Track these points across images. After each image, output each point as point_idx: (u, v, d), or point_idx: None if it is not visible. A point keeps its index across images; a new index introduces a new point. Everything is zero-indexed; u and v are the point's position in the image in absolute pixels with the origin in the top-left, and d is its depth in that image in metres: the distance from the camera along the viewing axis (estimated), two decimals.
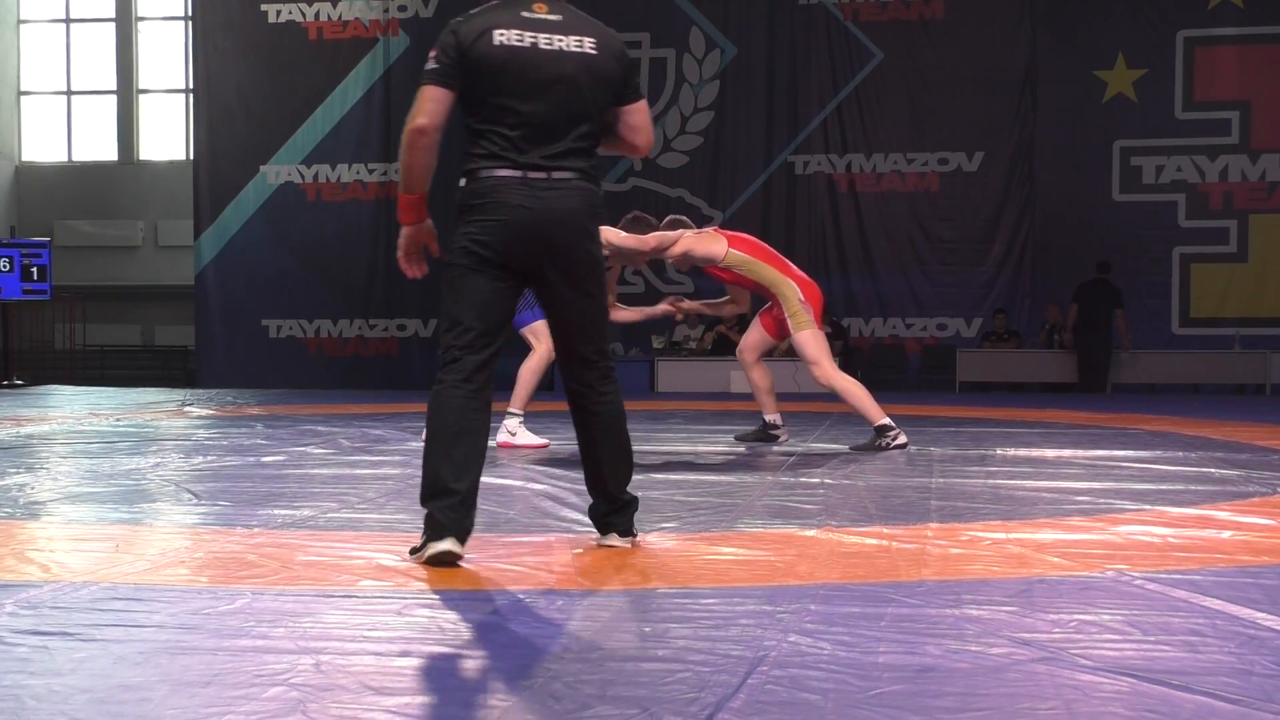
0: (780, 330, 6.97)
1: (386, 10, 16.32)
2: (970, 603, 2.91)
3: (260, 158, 16.50)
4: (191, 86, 17.39)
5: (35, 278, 15.46)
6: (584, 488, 5.02)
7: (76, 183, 18.86)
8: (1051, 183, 15.35)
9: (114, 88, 18.92)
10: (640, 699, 2.15)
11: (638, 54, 15.91)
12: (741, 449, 6.84)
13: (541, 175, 3.45)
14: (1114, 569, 3.32)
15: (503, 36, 3.44)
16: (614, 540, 3.64)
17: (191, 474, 5.57)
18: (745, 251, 6.89)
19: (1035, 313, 15.42)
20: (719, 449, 6.85)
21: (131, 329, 19.11)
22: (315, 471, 5.66)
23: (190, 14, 17.42)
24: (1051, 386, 14.79)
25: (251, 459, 6.20)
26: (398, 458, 6.13)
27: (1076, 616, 2.78)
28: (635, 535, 3.68)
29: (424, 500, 3.38)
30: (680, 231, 6.85)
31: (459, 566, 3.30)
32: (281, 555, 3.53)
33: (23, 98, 19.18)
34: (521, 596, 3.02)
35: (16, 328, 17.02)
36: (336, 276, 16.00)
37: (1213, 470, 5.77)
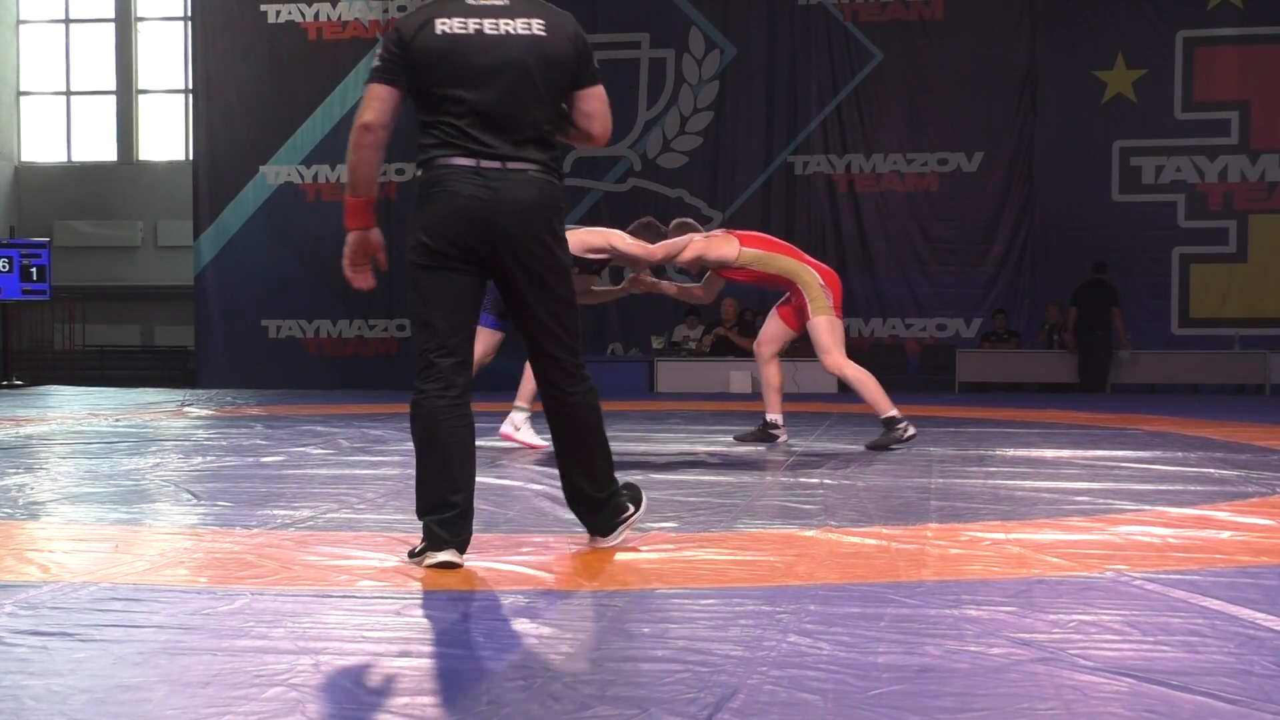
0: (799, 320, 6.91)
1: (386, 10, 16.32)
2: (969, 603, 2.91)
3: (260, 158, 16.50)
4: (191, 87, 17.39)
5: (35, 278, 15.45)
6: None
7: (76, 183, 18.86)
8: (1051, 183, 15.35)
9: (114, 88, 18.91)
10: (639, 699, 2.15)
11: (637, 54, 15.91)
12: (741, 449, 6.84)
13: (495, 165, 3.33)
14: (1113, 569, 3.32)
15: (445, 26, 3.35)
16: (599, 544, 3.59)
17: (191, 474, 5.57)
18: (759, 247, 6.86)
19: (1035, 313, 15.41)
20: (719, 449, 6.85)
21: (131, 329, 19.11)
22: (315, 472, 5.66)
23: (190, 14, 17.42)
24: (1051, 387, 14.79)
25: (251, 459, 6.20)
26: (397, 458, 6.13)
27: (1076, 617, 2.78)
28: (621, 519, 3.61)
29: (421, 514, 3.37)
30: (689, 237, 6.81)
31: (459, 567, 3.29)
32: (281, 555, 3.53)
33: (22, 98, 19.17)
34: (521, 597, 3.02)
35: (16, 328, 17.02)
36: (336, 276, 15.67)
37: (1212, 470, 5.77)
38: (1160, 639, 2.58)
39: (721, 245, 6.84)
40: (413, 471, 3.43)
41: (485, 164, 3.32)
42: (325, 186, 16.28)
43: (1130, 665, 2.38)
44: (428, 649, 2.56)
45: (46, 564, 3.41)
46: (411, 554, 3.39)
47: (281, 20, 16.57)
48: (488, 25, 3.36)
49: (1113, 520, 4.23)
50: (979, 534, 3.93)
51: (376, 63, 3.39)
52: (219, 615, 2.79)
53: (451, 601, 2.97)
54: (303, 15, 16.55)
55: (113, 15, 18.79)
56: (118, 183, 18.84)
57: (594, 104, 3.53)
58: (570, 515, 4.27)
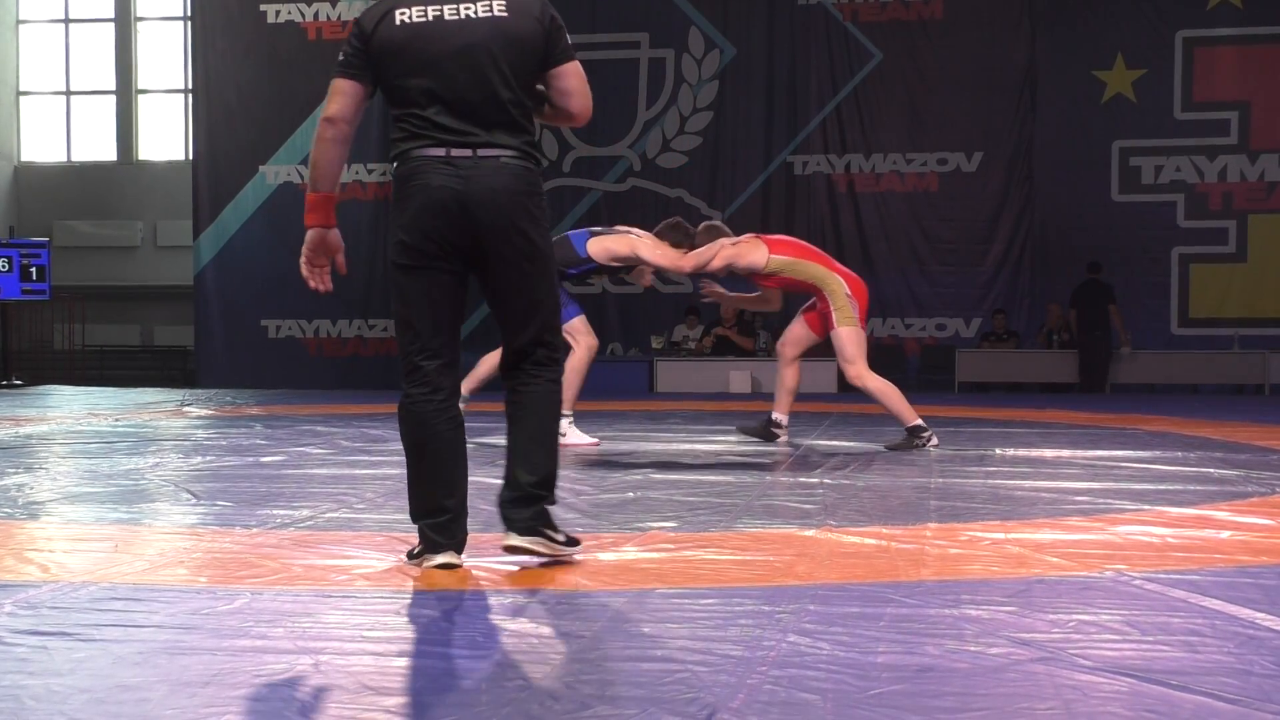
0: (824, 326, 6.89)
1: None
2: (969, 603, 2.91)
3: (260, 158, 16.50)
4: (191, 86, 17.38)
5: (34, 278, 15.45)
6: (584, 488, 5.06)
7: (76, 183, 18.86)
8: (1050, 183, 15.35)
9: (113, 88, 18.92)
10: (639, 699, 2.15)
11: (637, 54, 15.91)
12: (741, 449, 6.84)
13: (466, 153, 3.25)
14: (1113, 569, 3.32)
15: (404, 15, 3.28)
16: (512, 540, 3.29)
17: (191, 474, 5.57)
18: (787, 253, 6.83)
19: (1034, 313, 15.42)
20: (718, 449, 6.84)
21: (131, 329, 19.11)
22: (314, 472, 5.66)
23: (190, 14, 17.42)
24: (1051, 386, 14.79)
25: (250, 459, 6.20)
26: (396, 458, 6.09)
27: (1075, 616, 2.78)
28: (558, 539, 3.32)
29: (415, 518, 3.36)
30: (719, 243, 6.76)
31: (458, 568, 3.29)
32: (280, 555, 3.53)
33: (22, 98, 19.17)
34: (520, 597, 3.02)
35: (16, 328, 17.01)
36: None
37: (1212, 470, 5.77)
38: (1160, 639, 2.58)
39: (750, 252, 6.79)
40: None
41: (456, 152, 3.25)
42: None
43: (1130, 665, 2.38)
44: (427, 649, 2.56)
45: (46, 564, 3.41)
46: (410, 555, 3.39)
47: (281, 20, 16.57)
48: (447, 11, 3.29)
49: (1112, 520, 4.23)
50: (979, 534, 3.93)
51: (340, 58, 3.35)
52: (219, 615, 2.79)
53: (451, 601, 2.97)
54: (303, 15, 16.55)
55: (112, 15, 18.80)
56: (117, 183, 18.84)
57: (570, 81, 3.41)
58: (570, 515, 4.28)
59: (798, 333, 7.07)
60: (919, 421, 6.76)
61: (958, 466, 5.95)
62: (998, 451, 6.70)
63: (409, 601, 2.98)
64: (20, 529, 4.07)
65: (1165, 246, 15.23)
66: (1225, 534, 3.95)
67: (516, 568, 3.33)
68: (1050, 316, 14.91)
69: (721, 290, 7.12)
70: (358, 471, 5.64)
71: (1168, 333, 15.22)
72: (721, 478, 5.50)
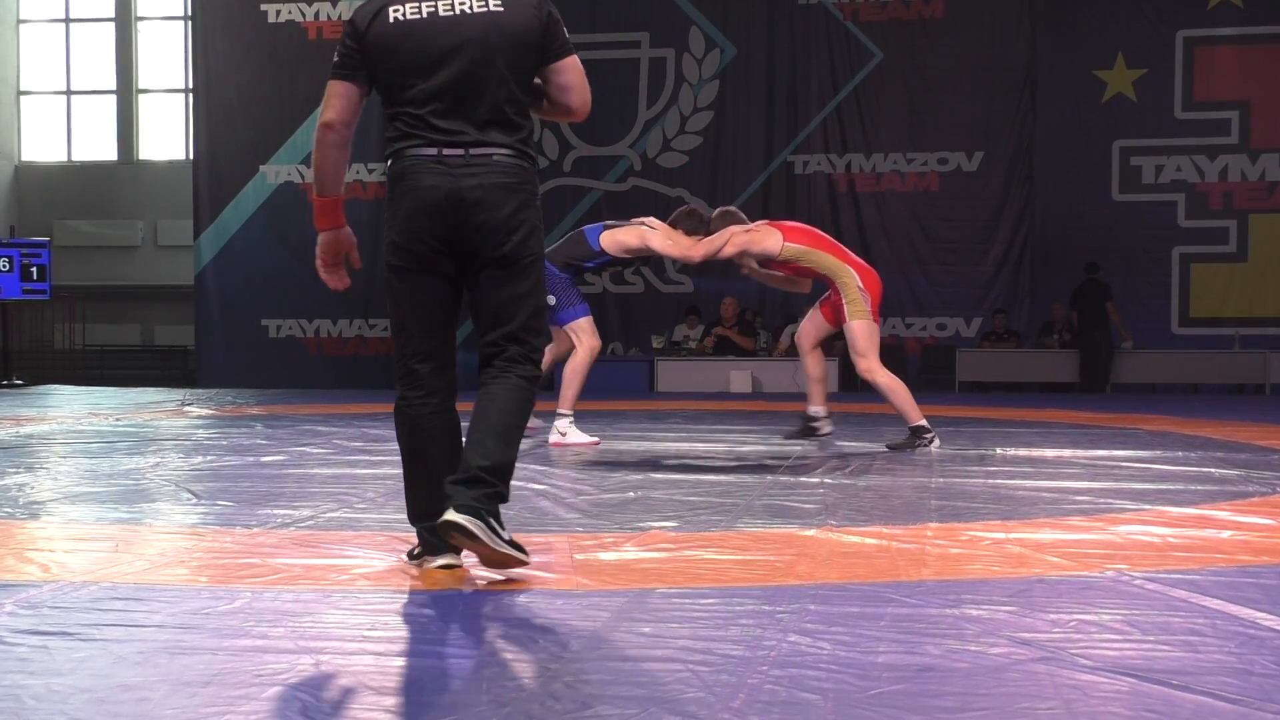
0: (837, 318, 6.87)
1: None
2: (970, 602, 2.91)
3: (260, 158, 16.50)
4: (191, 86, 17.39)
5: (35, 277, 15.45)
6: (584, 487, 5.06)
7: (76, 183, 18.86)
8: (1051, 183, 15.35)
9: (114, 88, 18.92)
10: (640, 699, 2.15)
11: (637, 54, 15.91)
12: (741, 449, 6.84)
13: (458, 152, 3.21)
14: (1114, 569, 3.32)
15: (397, 12, 3.23)
16: (450, 515, 3.04)
17: (191, 474, 5.57)
18: (801, 242, 6.80)
19: (1035, 313, 15.41)
20: (719, 449, 6.84)
21: (131, 329, 19.11)
22: (315, 471, 5.66)
23: (190, 14, 17.43)
24: (1051, 386, 14.79)
25: (251, 459, 6.20)
26: (397, 458, 6.10)
27: (1076, 616, 2.78)
28: (495, 528, 3.08)
29: (412, 520, 3.36)
30: (729, 232, 6.73)
31: (459, 568, 3.30)
32: (281, 555, 3.53)
33: (22, 98, 19.18)
34: (521, 597, 3.02)
35: (16, 327, 17.01)
36: None
37: (1213, 470, 5.77)
38: (1161, 638, 2.58)
39: (764, 239, 6.76)
40: None
41: (447, 152, 3.21)
42: None
43: (1131, 665, 2.38)
44: (427, 649, 2.55)
45: (47, 563, 3.41)
46: (410, 555, 3.39)
47: (281, 20, 16.58)
48: (442, 7, 3.24)
49: (1113, 520, 4.23)
50: (979, 533, 3.93)
51: (335, 59, 3.30)
52: (219, 615, 2.79)
53: (451, 602, 2.97)
54: (303, 15, 16.56)
55: (113, 15, 18.80)
56: (118, 182, 18.84)
57: (569, 76, 3.35)
58: (570, 515, 4.28)
59: (811, 326, 7.07)
60: (923, 422, 6.75)
61: (958, 466, 5.95)
62: (998, 451, 6.70)
63: (409, 601, 2.98)
64: (21, 529, 4.07)
65: (1166, 246, 15.23)
66: (1226, 534, 3.95)
67: (515, 569, 3.32)
68: (1054, 315, 14.91)
69: (754, 265, 7.06)
70: (358, 471, 5.64)
71: (1168, 332, 15.22)
72: (722, 477, 5.49)
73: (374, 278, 15.84)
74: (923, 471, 5.73)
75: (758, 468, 5.91)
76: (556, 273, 6.97)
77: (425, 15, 3.23)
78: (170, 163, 18.73)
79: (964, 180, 15.53)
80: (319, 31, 16.51)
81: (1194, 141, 15.13)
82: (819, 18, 15.70)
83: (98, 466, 5.85)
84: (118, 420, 9.07)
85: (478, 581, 3.17)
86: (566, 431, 6.90)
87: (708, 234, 6.82)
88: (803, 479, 5.39)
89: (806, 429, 7.16)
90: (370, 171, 16.11)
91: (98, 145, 19.07)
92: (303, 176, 16.43)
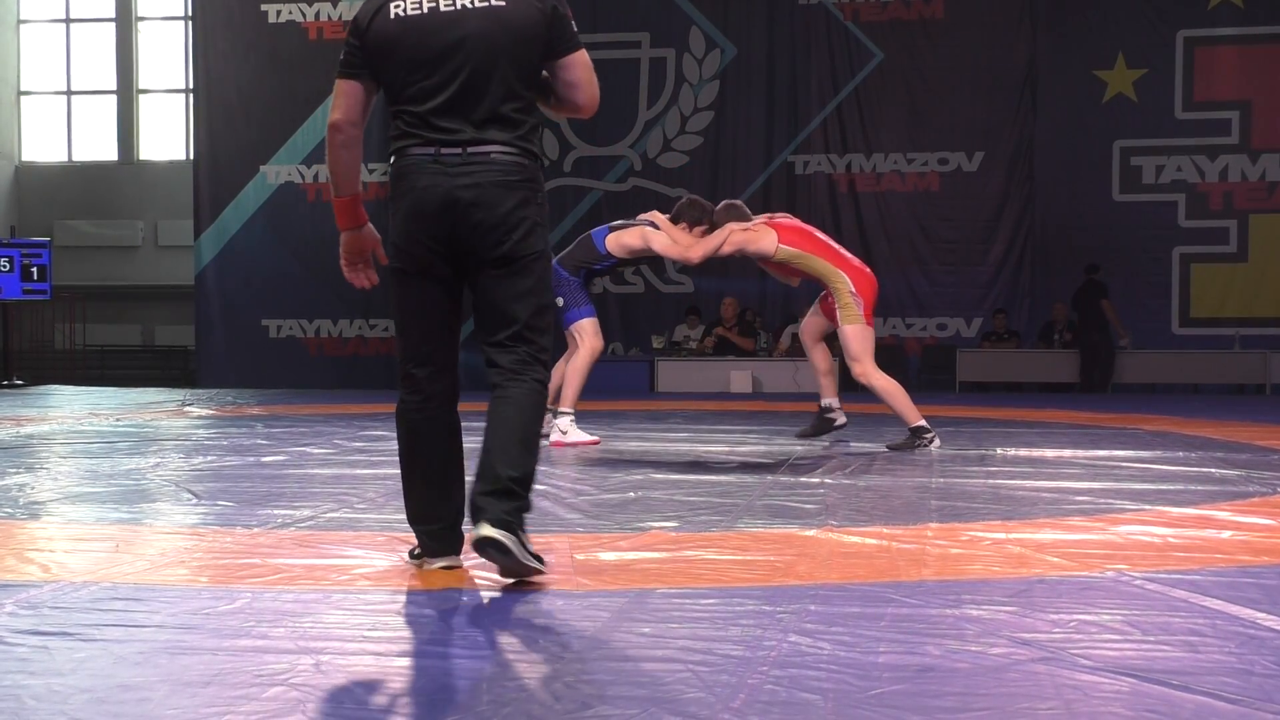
0: (835, 318, 6.89)
1: None
2: (970, 603, 2.91)
3: (260, 158, 16.51)
4: (191, 86, 17.40)
5: (35, 278, 15.46)
6: (585, 487, 5.06)
7: (76, 183, 18.86)
8: (1051, 183, 15.35)
9: (114, 88, 18.92)
10: (640, 699, 2.15)
11: (637, 54, 15.91)
12: (741, 449, 6.84)
13: (455, 151, 3.15)
14: (1114, 569, 3.32)
15: (398, 8, 3.18)
16: (485, 530, 3.02)
17: (191, 474, 5.57)
18: (795, 244, 6.79)
19: (1035, 313, 15.41)
20: (719, 449, 6.84)
21: (131, 329, 19.11)
22: (315, 471, 5.66)
23: (190, 14, 17.43)
24: (1051, 387, 14.79)
25: (251, 459, 6.20)
26: (397, 458, 6.11)
27: (1076, 616, 2.78)
28: (524, 543, 3.08)
29: (411, 522, 3.35)
30: (727, 229, 6.75)
31: (459, 568, 3.30)
32: (281, 555, 3.53)
33: (23, 98, 19.17)
34: (521, 597, 3.02)
35: (16, 328, 17.02)
36: (336, 276, 15.67)
37: (1213, 470, 5.77)
38: (1161, 639, 2.58)
39: (760, 239, 6.78)
40: None
41: (445, 151, 3.16)
42: (326, 186, 16.13)
43: (1131, 665, 2.38)
44: (428, 649, 2.55)
45: (47, 564, 3.41)
46: (411, 555, 3.39)
47: (281, 20, 16.58)
48: (443, 3, 3.17)
49: (1113, 520, 4.23)
50: (979, 534, 3.93)
51: (341, 57, 3.26)
52: (219, 615, 2.79)
53: (451, 602, 2.97)
54: (303, 15, 16.56)
55: (113, 15, 18.80)
56: (118, 182, 18.84)
57: (576, 72, 3.28)
58: (570, 515, 4.28)
59: (814, 323, 7.09)
60: (922, 422, 6.75)
61: (958, 466, 5.95)
62: (998, 451, 6.70)
63: (409, 601, 2.98)
64: (21, 529, 4.07)
65: (1166, 246, 15.23)
66: (1226, 534, 3.95)
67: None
68: (1055, 315, 14.90)
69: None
70: (358, 471, 5.64)
71: (1168, 332, 15.22)
72: (722, 477, 5.49)
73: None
74: (923, 472, 5.73)
75: (758, 468, 5.91)
76: (568, 276, 7.01)
77: (426, 11, 3.18)
78: (170, 163, 18.73)
79: (964, 180, 15.53)
80: (319, 32, 16.51)
81: (1194, 141, 15.13)
82: (819, 18, 15.70)
83: (98, 467, 5.85)
84: (118, 420, 9.07)
85: (478, 582, 3.17)
86: (568, 430, 6.92)
87: (711, 224, 6.84)
88: (803, 479, 5.39)
89: (823, 422, 7.14)
90: (370, 171, 16.09)
91: (98, 145, 19.06)
92: (303, 177, 16.44)
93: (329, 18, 16.49)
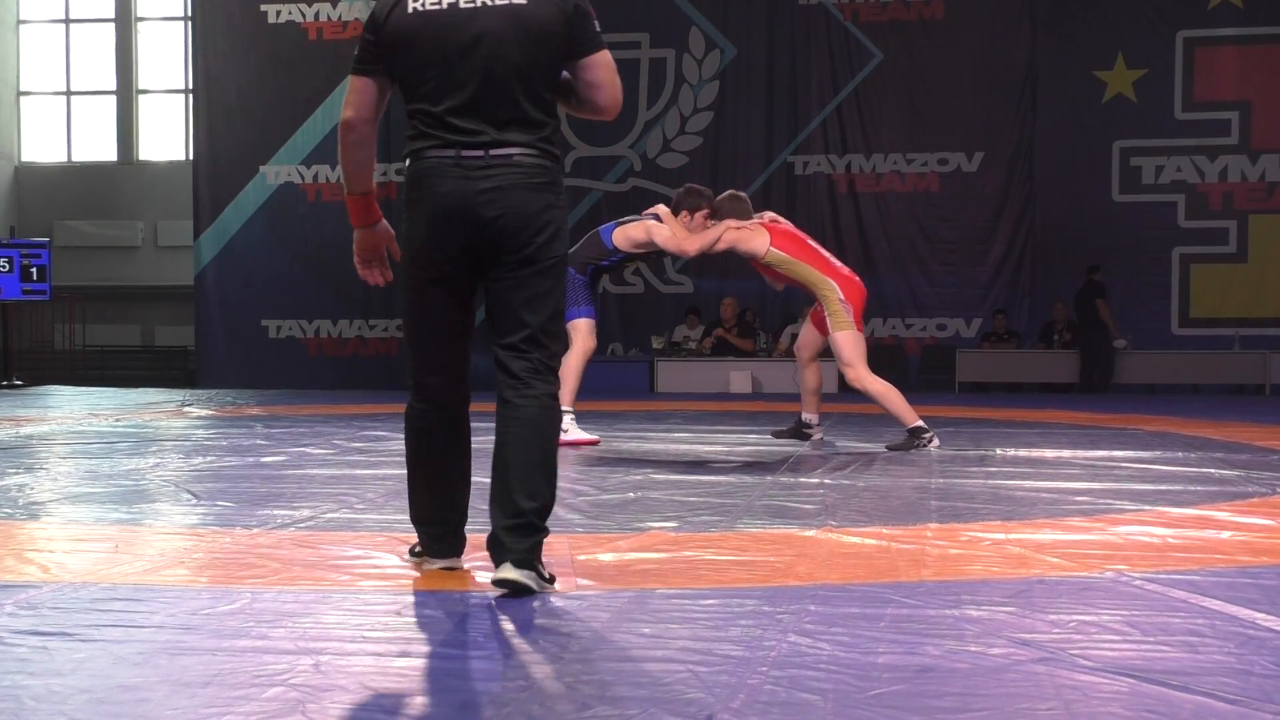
0: (824, 327, 6.91)
1: None
2: (969, 603, 2.91)
3: (260, 158, 16.51)
4: (191, 87, 17.40)
5: (35, 278, 15.46)
6: (584, 487, 5.06)
7: (76, 183, 18.86)
8: (1051, 183, 15.36)
9: (114, 88, 18.92)
10: (640, 699, 2.15)
11: (637, 54, 15.91)
12: (741, 449, 6.84)
13: (477, 154, 3.05)
14: (1113, 569, 3.32)
15: (416, 3, 3.08)
16: (508, 572, 2.95)
17: (191, 474, 5.57)
18: (785, 249, 6.83)
19: (1035, 313, 15.42)
20: (719, 449, 6.85)
21: (131, 329, 19.11)
22: (314, 472, 5.66)
23: (190, 14, 17.43)
24: (1051, 387, 14.79)
25: (251, 459, 6.20)
26: (397, 458, 6.10)
27: (1076, 617, 2.78)
28: (545, 575, 3.02)
29: (414, 521, 3.33)
30: (723, 225, 6.80)
31: (460, 569, 3.30)
32: (281, 555, 3.53)
33: (22, 98, 19.17)
34: (521, 597, 3.01)
35: (16, 328, 17.02)
36: (336, 277, 15.97)
37: (1212, 470, 5.77)
38: (1160, 639, 2.58)
39: (752, 239, 6.85)
40: None
41: (466, 153, 3.05)
42: (325, 186, 16.29)
43: (1130, 665, 2.38)
44: (428, 649, 2.56)
45: (46, 564, 3.41)
46: (412, 552, 3.39)
47: (281, 20, 16.58)
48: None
49: (1113, 520, 4.23)
50: (979, 534, 3.93)
51: (355, 52, 3.17)
52: (219, 615, 2.79)
53: (451, 602, 2.97)
54: (303, 15, 16.56)
55: (113, 15, 18.80)
56: (118, 183, 18.84)
57: (598, 73, 3.18)
58: (570, 515, 4.27)
59: (809, 337, 7.18)
60: (920, 423, 6.77)
61: (958, 467, 5.95)
62: (998, 451, 6.70)
63: (409, 602, 2.98)
64: (21, 529, 4.07)
65: (1166, 246, 15.24)
66: (1225, 534, 3.95)
67: None
68: (1055, 315, 14.90)
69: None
70: (358, 471, 5.64)
71: (1168, 333, 15.23)
72: (722, 478, 5.49)
73: None
74: (922, 472, 5.73)
75: (758, 468, 5.91)
76: (574, 274, 7.03)
77: (445, 6, 3.08)
78: (170, 163, 18.74)
79: (964, 180, 15.53)
80: (319, 32, 16.51)
81: (1194, 142, 15.14)
82: (819, 18, 15.71)
83: (98, 467, 5.85)
84: (118, 421, 9.07)
85: (478, 582, 3.17)
86: (569, 429, 6.92)
87: (712, 212, 6.87)
88: (803, 479, 5.39)
89: (799, 430, 7.27)
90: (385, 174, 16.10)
91: (98, 146, 19.07)
92: (302, 177, 16.44)
93: (329, 18, 16.49)
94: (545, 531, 3.05)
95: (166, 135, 18.98)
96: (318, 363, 16.44)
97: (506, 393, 3.09)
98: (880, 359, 15.30)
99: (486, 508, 3.09)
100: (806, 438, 7.22)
